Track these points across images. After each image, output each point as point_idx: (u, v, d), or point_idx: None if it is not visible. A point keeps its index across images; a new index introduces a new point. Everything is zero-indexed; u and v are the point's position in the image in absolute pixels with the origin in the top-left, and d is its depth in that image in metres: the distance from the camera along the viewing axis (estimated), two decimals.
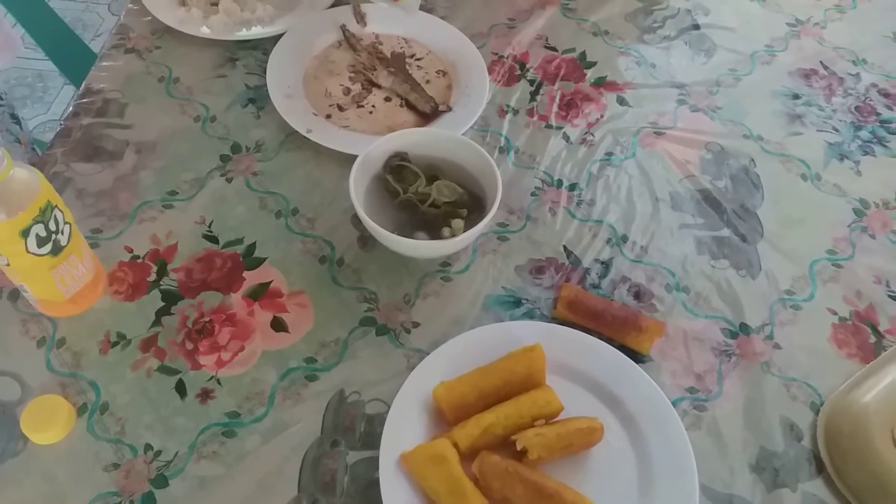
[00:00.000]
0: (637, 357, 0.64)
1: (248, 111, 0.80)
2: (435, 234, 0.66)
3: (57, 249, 0.57)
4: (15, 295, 0.64)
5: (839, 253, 0.74)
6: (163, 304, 0.65)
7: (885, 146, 0.83)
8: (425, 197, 0.68)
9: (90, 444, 0.57)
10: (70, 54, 1.20)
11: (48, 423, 0.55)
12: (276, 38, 0.84)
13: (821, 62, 0.92)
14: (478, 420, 0.57)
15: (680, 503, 0.55)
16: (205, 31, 0.85)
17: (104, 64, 0.83)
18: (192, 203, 0.72)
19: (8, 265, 0.56)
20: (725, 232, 0.74)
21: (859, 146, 0.83)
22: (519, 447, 0.55)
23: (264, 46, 0.84)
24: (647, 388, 0.61)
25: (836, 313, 0.69)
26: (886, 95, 0.88)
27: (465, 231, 0.64)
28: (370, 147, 0.68)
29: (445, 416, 0.58)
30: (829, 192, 0.79)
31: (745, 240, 0.74)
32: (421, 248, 0.66)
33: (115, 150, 0.75)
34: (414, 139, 0.71)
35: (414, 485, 0.55)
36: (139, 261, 0.67)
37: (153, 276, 0.66)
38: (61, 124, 0.77)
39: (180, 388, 0.60)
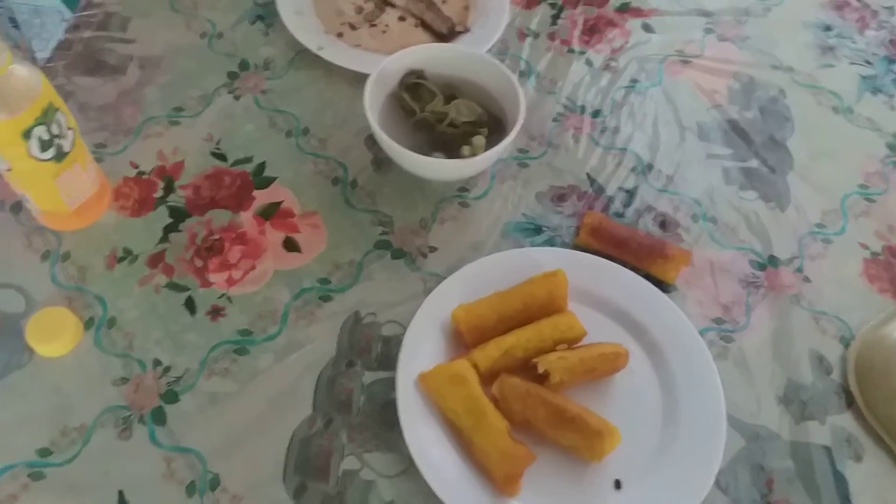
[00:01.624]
0: (662, 286, 0.61)
1: (256, 28, 0.76)
2: (453, 156, 0.63)
3: (60, 155, 0.54)
4: (17, 207, 0.61)
5: (871, 187, 0.71)
6: (170, 220, 0.62)
7: None
8: (443, 116, 0.65)
9: (98, 357, 0.55)
10: None
11: (54, 335, 0.53)
12: None
13: None
14: (498, 342, 0.55)
15: (706, 433, 0.54)
16: None
17: None
18: (198, 120, 0.69)
19: (10, 170, 0.54)
20: (754, 163, 0.72)
21: (893, 80, 0.80)
22: (540, 370, 0.53)
23: None
24: (673, 317, 0.59)
25: (867, 248, 0.67)
26: None
27: (485, 151, 0.62)
28: (385, 62, 0.65)
29: (464, 339, 0.56)
30: (862, 126, 0.76)
31: (774, 171, 0.71)
32: (439, 167, 0.63)
33: (118, 64, 0.72)
34: (431, 55, 0.68)
35: (432, 405, 0.53)
36: (145, 176, 0.65)
37: (160, 193, 0.64)
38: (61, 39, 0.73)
39: (190, 305, 0.58)
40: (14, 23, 0.81)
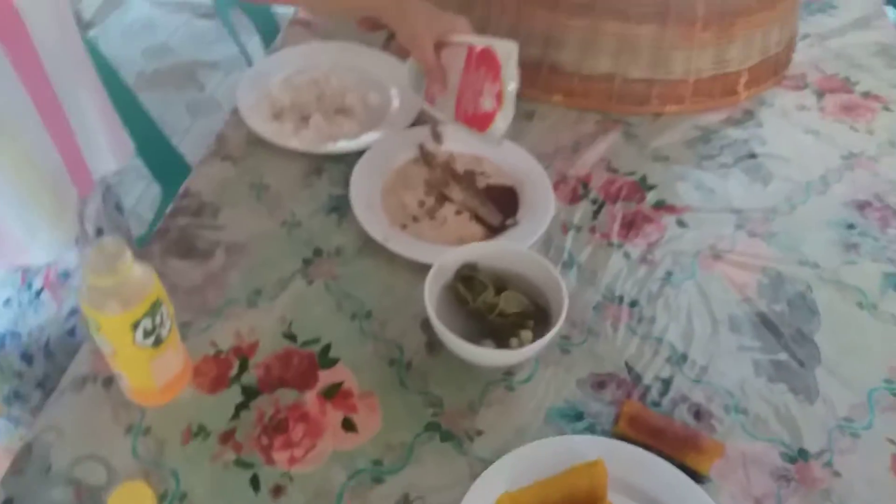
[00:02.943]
0: (696, 477, 0.64)
1: (330, 218, 0.86)
2: (501, 344, 0.70)
3: (158, 342, 0.62)
4: (109, 382, 0.69)
5: None
6: (242, 398, 0.69)
7: None
8: (493, 307, 0.72)
9: None
10: (160, 158, 1.30)
11: None
12: (359, 153, 0.91)
13: (875, 194, 0.95)
14: None
15: None
16: (295, 144, 0.93)
17: (202, 169, 0.91)
18: (275, 303, 0.77)
19: (114, 353, 0.61)
20: (783, 356, 0.76)
21: None
22: None
23: (348, 160, 0.91)
24: None
25: (895, 443, 0.69)
26: None
27: (531, 342, 0.68)
28: (444, 257, 0.73)
29: None
30: (886, 321, 0.80)
31: (803, 364, 0.75)
32: (489, 356, 0.69)
33: (206, 249, 0.82)
34: (484, 251, 0.76)
35: None
36: (222, 355, 0.72)
37: (234, 371, 0.71)
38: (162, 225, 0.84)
39: (255, 482, 0.63)
40: (120, 209, 0.93)
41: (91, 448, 0.64)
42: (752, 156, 1.00)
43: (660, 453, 0.66)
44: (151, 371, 0.64)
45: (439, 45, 0.83)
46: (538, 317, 0.72)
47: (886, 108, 1.09)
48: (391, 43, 1.10)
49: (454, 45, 0.83)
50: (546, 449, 0.65)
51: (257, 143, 0.95)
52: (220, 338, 0.74)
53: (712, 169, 0.98)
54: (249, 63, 1.63)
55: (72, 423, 0.66)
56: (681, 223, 0.90)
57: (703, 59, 1.03)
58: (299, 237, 0.84)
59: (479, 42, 0.81)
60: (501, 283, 0.75)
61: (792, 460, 0.67)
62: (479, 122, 0.83)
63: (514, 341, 0.69)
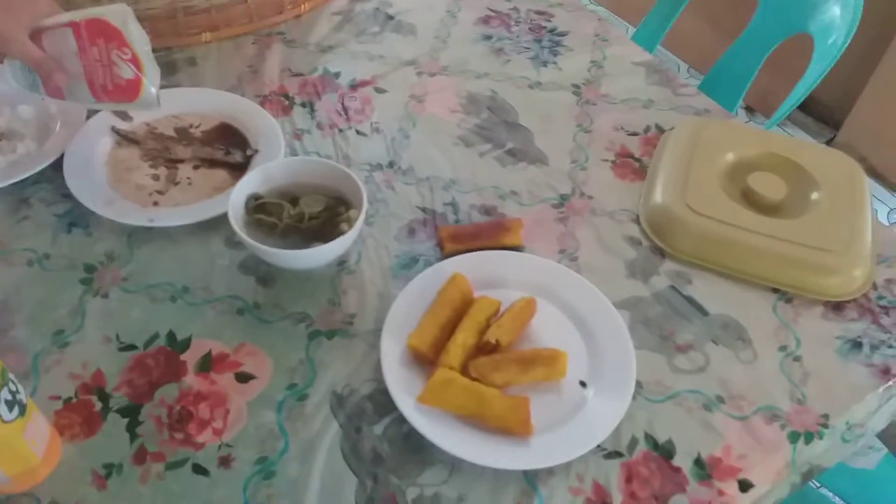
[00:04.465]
0: (516, 249, 0.80)
1: (76, 234, 0.80)
2: (330, 239, 0.74)
3: (23, 410, 0.55)
4: None
5: None
6: (127, 419, 0.65)
7: None
8: (300, 216, 0.76)
9: None
10: None
11: None
12: (53, 166, 0.83)
13: (488, 8, 1.16)
14: (453, 342, 0.69)
15: (612, 324, 0.73)
16: None
17: None
18: (85, 330, 0.71)
19: None
20: (510, 145, 0.94)
21: None
22: (492, 340, 0.68)
23: (46, 179, 0.84)
24: (537, 262, 0.78)
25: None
26: None
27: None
28: (231, 197, 0.74)
29: (426, 357, 0.69)
30: (561, 89, 1.03)
31: (525, 142, 0.95)
32: (333, 249, 0.73)
33: None
34: (263, 176, 0.78)
35: (439, 413, 0.65)
36: (74, 401, 0.66)
37: (99, 405, 0.66)
38: None
39: (199, 470, 0.62)
40: None
41: None
42: (391, 17, 1.14)
43: (484, 248, 0.79)
44: (27, 444, 0.57)
45: (36, 35, 0.77)
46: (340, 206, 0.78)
47: None
48: None
49: (54, 29, 0.77)
50: (411, 294, 0.74)
51: None
52: (56, 389, 0.66)
53: (370, 40, 1.10)
54: None
55: None
56: (379, 90, 1.01)
57: None
58: (56, 266, 0.77)
59: (82, 16, 0.76)
60: (292, 197, 0.79)
61: (561, 203, 0.87)
62: (124, 93, 0.79)
63: (344, 226, 0.74)
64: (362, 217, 0.74)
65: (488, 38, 1.11)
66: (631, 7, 2.35)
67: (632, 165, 0.92)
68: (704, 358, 0.73)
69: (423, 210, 0.85)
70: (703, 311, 0.77)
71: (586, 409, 0.67)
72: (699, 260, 0.81)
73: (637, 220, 0.85)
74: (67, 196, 0.81)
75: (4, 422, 0.53)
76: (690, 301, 0.78)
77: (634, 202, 0.87)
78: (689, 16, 1.37)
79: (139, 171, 0.86)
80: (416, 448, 0.64)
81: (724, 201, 0.83)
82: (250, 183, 0.78)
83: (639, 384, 0.69)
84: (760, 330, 0.75)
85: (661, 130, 0.97)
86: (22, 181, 0.83)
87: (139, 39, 0.76)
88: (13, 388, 0.54)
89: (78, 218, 0.81)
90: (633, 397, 0.67)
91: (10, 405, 0.54)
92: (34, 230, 0.80)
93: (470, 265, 0.77)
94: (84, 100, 0.81)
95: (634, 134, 0.96)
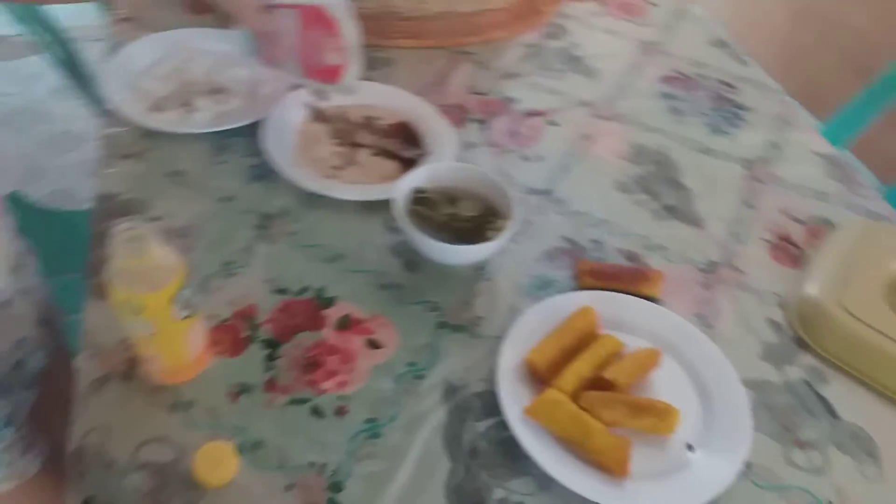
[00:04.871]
0: (652, 301, 0.81)
1: (259, 185, 0.89)
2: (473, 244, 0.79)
3: (193, 309, 0.63)
4: (127, 376, 0.68)
5: None
6: (267, 350, 0.72)
7: None
8: (454, 216, 0.82)
9: (261, 475, 0.63)
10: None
11: (219, 466, 0.61)
12: (253, 125, 0.94)
13: (673, 69, 1.19)
14: (571, 369, 0.71)
15: (730, 394, 0.72)
16: (197, 128, 0.93)
17: (107, 171, 0.88)
18: (249, 268, 0.80)
19: (154, 334, 0.62)
20: (670, 201, 0.96)
21: None
22: (609, 377, 0.70)
23: (246, 133, 0.94)
24: (671, 318, 0.79)
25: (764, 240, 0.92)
26: None
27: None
28: (397, 188, 0.81)
29: (541, 375, 0.71)
30: (719, 157, 1.03)
31: (683, 202, 0.95)
32: (477, 251, 0.78)
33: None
34: (427, 175, 0.85)
35: (541, 429, 0.67)
36: (228, 322, 0.74)
37: (247, 332, 0.73)
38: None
39: (316, 412, 0.68)
40: None
41: (146, 433, 0.64)
42: (578, 58, 1.19)
43: (619, 291, 0.81)
44: (188, 343, 0.65)
45: (266, 11, 0.88)
46: (493, 216, 0.83)
47: (652, 3, 1.35)
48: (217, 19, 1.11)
49: (283, 8, 0.88)
50: (540, 313, 0.77)
51: (149, 136, 0.93)
52: (215, 309, 0.75)
53: (553, 75, 1.15)
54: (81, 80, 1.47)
55: (112, 419, 0.65)
56: (551, 123, 1.06)
57: None
58: (239, 208, 0.86)
59: (308, 1, 0.86)
60: (450, 198, 0.84)
61: (708, 269, 0.87)
62: (328, 75, 0.89)
63: (491, 234, 0.79)
64: (510, 231, 0.78)
65: (669, 96, 1.13)
66: (821, 102, 2.27)
67: (790, 251, 0.91)
68: (824, 460, 0.70)
69: (568, 241, 0.88)
70: (833, 414, 0.74)
71: (687, 473, 0.67)
72: (842, 362, 0.78)
73: (784, 306, 0.84)
74: (259, 153, 0.91)
75: (173, 318, 0.61)
76: (823, 400, 0.75)
77: (785, 288, 0.86)
78: (885, 125, 1.32)
79: (324, 145, 0.95)
80: (511, 455, 0.67)
81: (882, 310, 0.80)
82: (418, 177, 0.84)
83: (748, 466, 0.68)
84: (894, 451, 0.72)
85: (829, 224, 0.94)
86: (227, 131, 0.94)
87: (351, 32, 0.86)
88: (188, 294, 0.62)
89: (265, 172, 0.90)
90: (741, 477, 0.66)
91: (184, 306, 0.62)
92: (228, 174, 0.90)
93: (602, 302, 0.79)
94: (294, 73, 0.92)
95: (800, 221, 0.95)
